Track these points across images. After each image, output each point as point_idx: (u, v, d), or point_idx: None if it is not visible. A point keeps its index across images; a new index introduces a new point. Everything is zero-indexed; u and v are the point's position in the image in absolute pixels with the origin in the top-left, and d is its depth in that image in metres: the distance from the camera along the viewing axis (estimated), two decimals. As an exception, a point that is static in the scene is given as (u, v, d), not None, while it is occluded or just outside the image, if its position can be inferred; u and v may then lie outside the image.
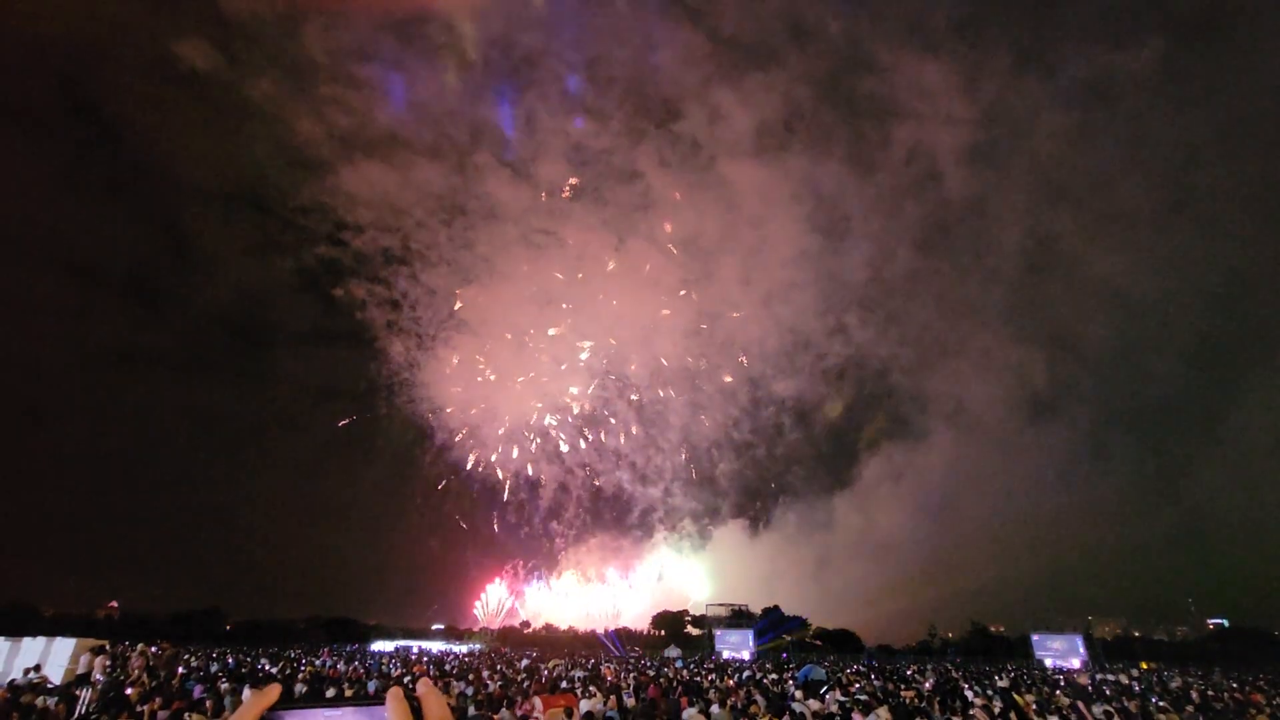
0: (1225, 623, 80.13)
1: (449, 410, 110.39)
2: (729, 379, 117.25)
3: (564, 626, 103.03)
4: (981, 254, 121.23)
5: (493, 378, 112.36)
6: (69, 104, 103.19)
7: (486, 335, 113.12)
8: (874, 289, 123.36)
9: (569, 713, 12.54)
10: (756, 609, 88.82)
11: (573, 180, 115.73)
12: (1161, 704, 19.27)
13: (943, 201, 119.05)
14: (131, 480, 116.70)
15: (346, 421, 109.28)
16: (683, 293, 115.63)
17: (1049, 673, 45.57)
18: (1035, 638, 63.33)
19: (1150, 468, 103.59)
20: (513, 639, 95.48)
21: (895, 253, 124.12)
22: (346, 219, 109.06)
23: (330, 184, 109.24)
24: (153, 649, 34.16)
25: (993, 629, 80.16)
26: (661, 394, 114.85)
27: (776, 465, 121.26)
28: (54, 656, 19.40)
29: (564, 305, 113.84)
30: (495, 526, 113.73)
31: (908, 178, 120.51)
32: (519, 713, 13.11)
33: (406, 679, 22.00)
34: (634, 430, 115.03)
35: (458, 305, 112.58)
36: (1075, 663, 57.78)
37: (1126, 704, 18.03)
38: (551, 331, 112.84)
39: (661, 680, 22.78)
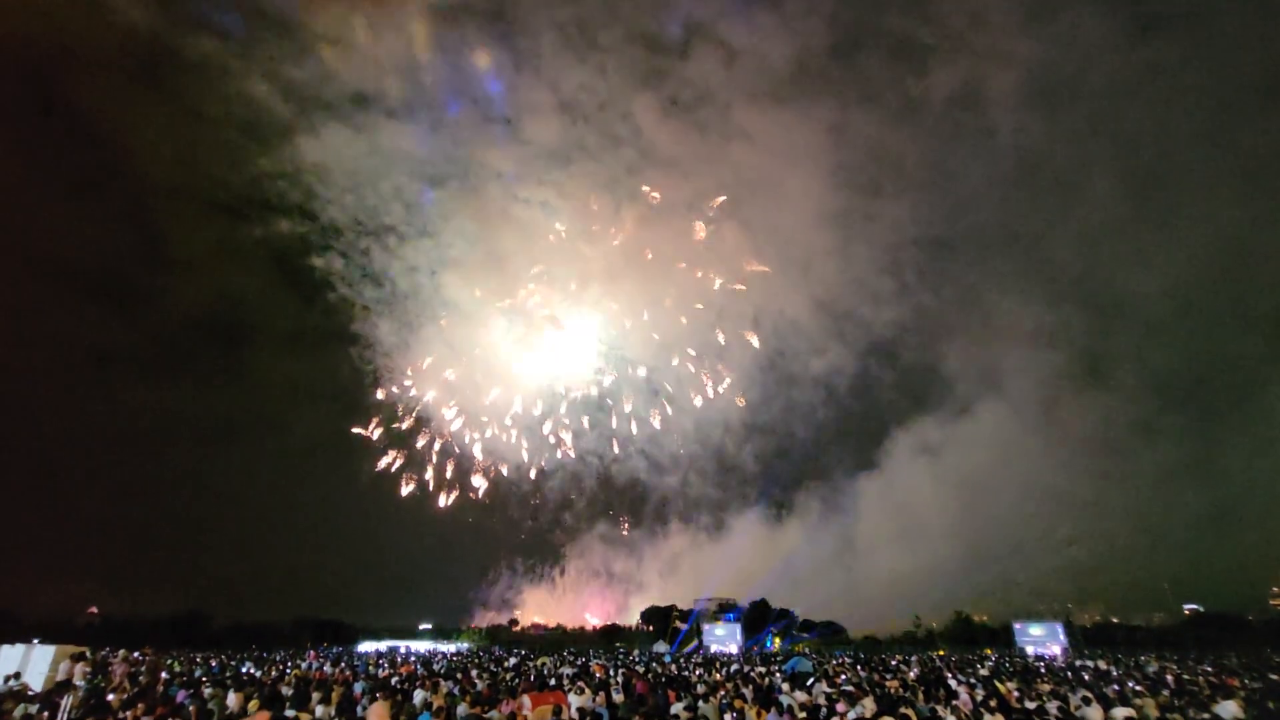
0: (1200, 608, 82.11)
1: (439, 397, 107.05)
2: (748, 355, 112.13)
3: (552, 624, 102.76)
4: (1034, 210, 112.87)
5: (487, 360, 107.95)
6: (25, 90, 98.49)
7: (477, 313, 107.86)
8: (913, 252, 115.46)
9: (558, 710, 12.62)
10: (744, 602, 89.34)
11: (567, 138, 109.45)
12: (1138, 688, 19.75)
13: (993, 153, 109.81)
14: (110, 483, 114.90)
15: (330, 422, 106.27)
16: (693, 263, 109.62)
17: (1030, 660, 46.45)
18: (1017, 626, 64.44)
19: (1192, 448, 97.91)
20: (501, 638, 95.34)
21: (938, 211, 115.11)
22: (314, 189, 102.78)
23: (290, 152, 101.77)
24: (135, 654, 33.75)
25: (975, 618, 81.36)
26: (676, 375, 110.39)
27: (800, 451, 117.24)
28: (34, 664, 19.10)
29: (562, 278, 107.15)
30: (494, 521, 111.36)
31: (954, 126, 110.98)
32: (507, 711, 13.14)
33: (394, 679, 21.93)
34: (647, 414, 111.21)
35: (442, 281, 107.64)
36: (1056, 650, 58.88)
37: (1104, 689, 18.46)
38: (550, 307, 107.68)
39: (650, 675, 22.91)
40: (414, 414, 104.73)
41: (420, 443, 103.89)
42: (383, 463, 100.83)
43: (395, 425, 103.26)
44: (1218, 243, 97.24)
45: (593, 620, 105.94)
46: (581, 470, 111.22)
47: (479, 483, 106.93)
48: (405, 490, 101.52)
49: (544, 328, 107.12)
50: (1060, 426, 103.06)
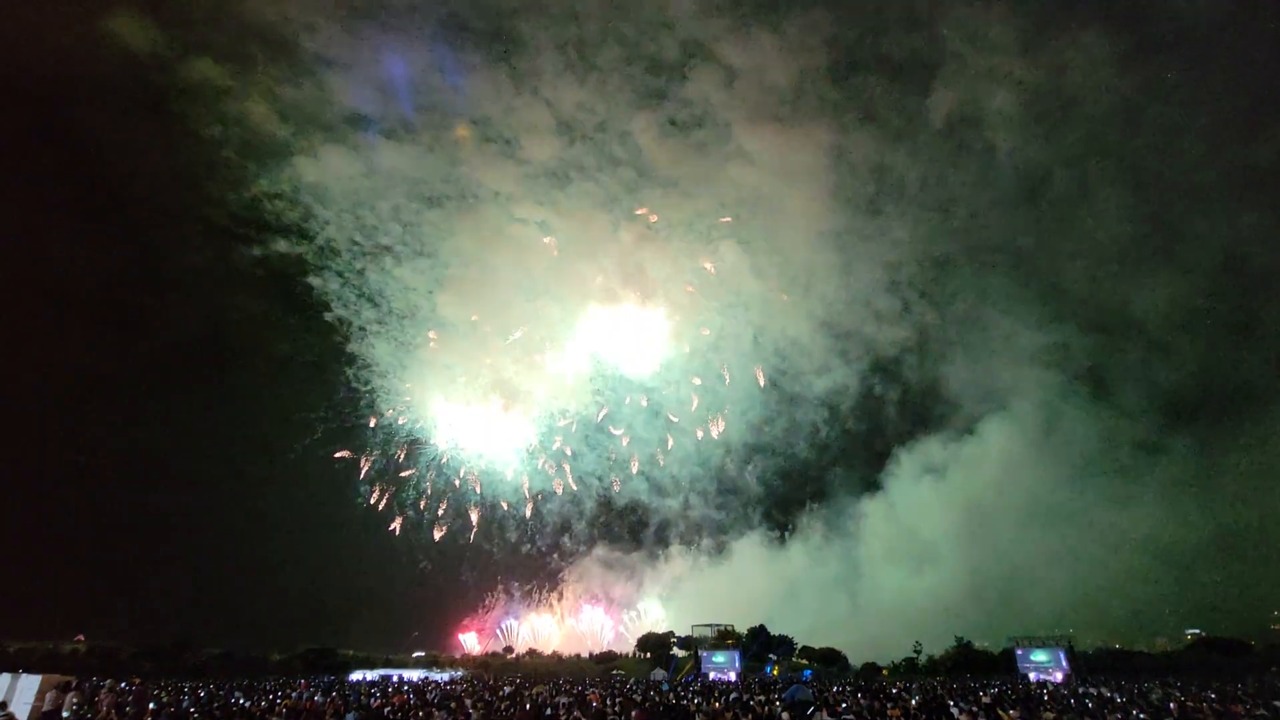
0: (1202, 633, 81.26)
1: (436, 419, 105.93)
2: (749, 376, 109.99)
3: (548, 652, 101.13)
4: (1036, 229, 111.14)
5: (484, 381, 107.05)
6: (23, 114, 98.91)
7: (474, 333, 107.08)
8: (915, 271, 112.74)
9: (554, 740, 12.44)
10: (742, 628, 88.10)
11: (565, 158, 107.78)
12: (1142, 716, 19.53)
13: (994, 172, 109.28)
14: (98, 508, 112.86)
15: (315, 440, 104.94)
16: (693, 282, 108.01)
17: (1033, 687, 45.84)
18: (1019, 652, 63.64)
19: (1195, 467, 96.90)
20: (495, 666, 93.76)
21: (940, 230, 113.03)
22: (311, 209, 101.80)
23: (287, 173, 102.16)
24: (122, 684, 33.15)
25: (976, 644, 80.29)
26: (677, 395, 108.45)
27: (803, 472, 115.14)
28: (20, 693, 18.73)
29: (560, 298, 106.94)
30: (491, 545, 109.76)
31: (954, 145, 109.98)
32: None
33: (386, 709, 21.54)
34: (647, 436, 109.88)
35: (439, 301, 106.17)
36: (1058, 676, 58.15)
37: (1108, 718, 18.24)
38: (548, 327, 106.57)
39: (647, 704, 22.55)
40: (409, 437, 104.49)
41: (408, 472, 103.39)
42: (373, 498, 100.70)
43: (386, 452, 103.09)
44: (1221, 260, 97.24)
45: (589, 644, 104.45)
46: (581, 492, 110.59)
47: (476, 505, 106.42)
48: (395, 526, 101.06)
49: (542, 348, 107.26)
50: (1064, 446, 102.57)
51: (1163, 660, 73.53)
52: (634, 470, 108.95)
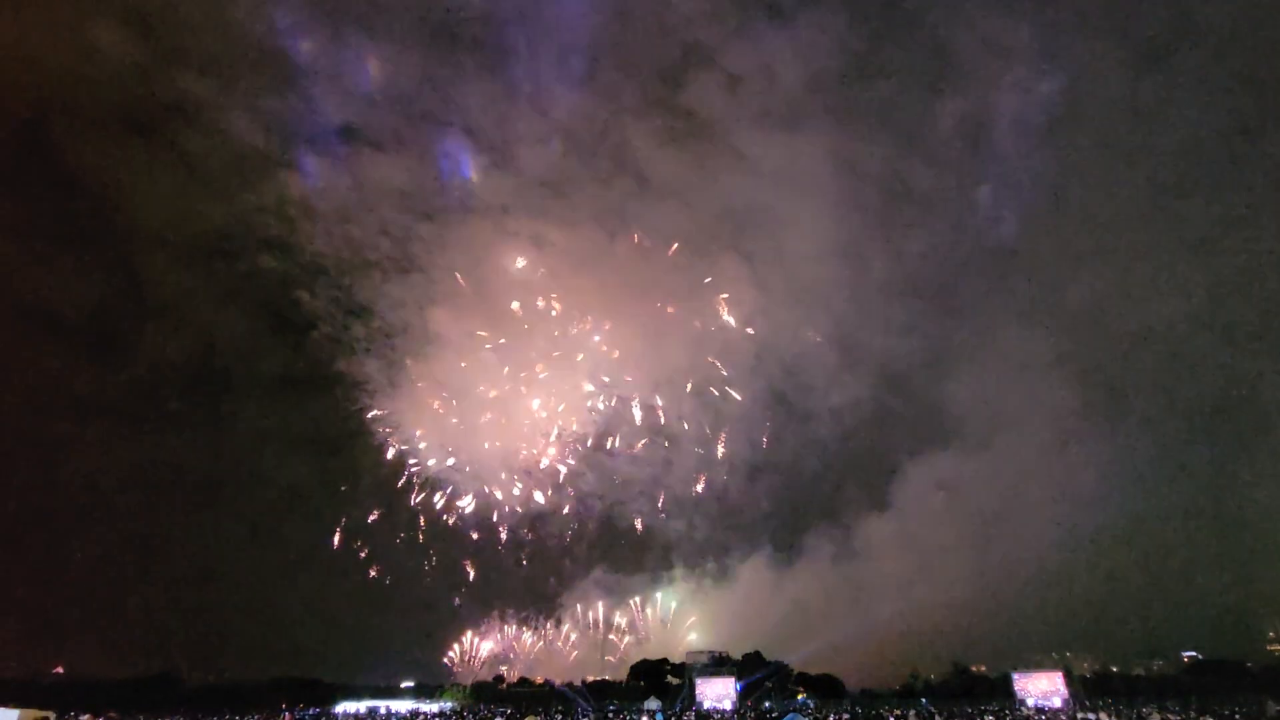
0: (1199, 655, 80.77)
1: (428, 441, 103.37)
2: (754, 392, 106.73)
3: (540, 679, 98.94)
4: (1048, 238, 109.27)
5: (480, 400, 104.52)
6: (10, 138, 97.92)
7: (468, 351, 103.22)
8: (923, 283, 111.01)
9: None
10: (737, 654, 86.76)
11: (561, 168, 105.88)
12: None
13: (1007, 183, 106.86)
14: (81, 535, 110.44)
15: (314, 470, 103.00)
16: (693, 296, 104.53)
17: (1031, 713, 45.39)
18: (1016, 676, 63.04)
19: (1202, 485, 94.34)
20: (487, 696, 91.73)
21: (949, 239, 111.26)
22: (298, 224, 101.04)
23: (274, 187, 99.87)
24: (101, 719, 32.32)
25: (974, 669, 79.41)
26: (679, 414, 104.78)
27: (806, 491, 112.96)
28: (-4, 730, 18.28)
29: (557, 313, 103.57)
30: (486, 569, 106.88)
31: (964, 153, 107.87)
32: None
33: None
34: (647, 457, 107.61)
35: (431, 316, 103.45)
36: (1057, 702, 57.55)
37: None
38: (544, 343, 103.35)
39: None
40: (400, 458, 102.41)
41: (374, 517, 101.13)
42: (355, 544, 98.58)
43: (376, 476, 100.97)
44: (1240, 269, 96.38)
45: (584, 672, 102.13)
46: (581, 513, 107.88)
47: (468, 531, 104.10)
48: (386, 578, 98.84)
49: (538, 365, 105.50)
50: (1074, 462, 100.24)
51: (1160, 683, 73.01)
52: (636, 491, 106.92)
